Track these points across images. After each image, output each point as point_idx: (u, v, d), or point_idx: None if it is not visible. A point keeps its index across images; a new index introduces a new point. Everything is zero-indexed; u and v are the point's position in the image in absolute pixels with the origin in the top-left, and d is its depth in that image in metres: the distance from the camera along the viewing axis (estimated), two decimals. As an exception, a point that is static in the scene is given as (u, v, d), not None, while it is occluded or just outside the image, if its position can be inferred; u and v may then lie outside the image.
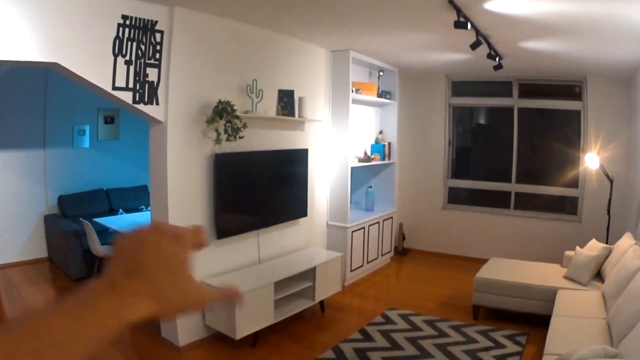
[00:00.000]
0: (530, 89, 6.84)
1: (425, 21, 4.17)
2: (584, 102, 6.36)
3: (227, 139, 4.01)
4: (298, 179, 5.13)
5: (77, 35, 3.22)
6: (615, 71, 5.89)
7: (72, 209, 6.56)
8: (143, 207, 7.01)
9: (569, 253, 5.09)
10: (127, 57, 3.51)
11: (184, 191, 3.92)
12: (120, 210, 6.73)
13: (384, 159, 6.52)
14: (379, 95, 6.37)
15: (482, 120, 7.72)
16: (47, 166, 6.68)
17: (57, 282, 5.80)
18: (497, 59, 5.10)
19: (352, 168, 5.75)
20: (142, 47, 3.59)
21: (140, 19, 3.56)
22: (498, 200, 7.12)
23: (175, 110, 3.80)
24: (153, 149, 3.93)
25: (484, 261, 5.46)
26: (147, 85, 3.64)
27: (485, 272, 4.89)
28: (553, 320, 3.78)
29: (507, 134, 6.96)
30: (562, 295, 4.30)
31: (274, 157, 4.80)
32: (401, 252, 7.36)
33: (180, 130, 3.84)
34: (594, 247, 4.77)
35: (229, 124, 3.94)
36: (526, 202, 6.97)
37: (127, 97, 3.54)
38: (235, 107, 3.97)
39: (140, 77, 3.59)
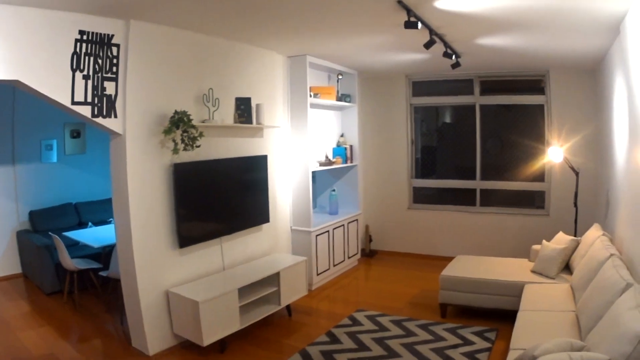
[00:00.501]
0: (492, 86, 6.99)
1: (376, 23, 4.28)
2: (547, 95, 6.56)
3: (185, 149, 4.21)
4: (259, 185, 5.33)
5: (37, 51, 3.40)
6: (578, 63, 6.02)
7: (43, 223, 6.74)
8: (111, 219, 7.06)
9: (535, 247, 5.23)
10: (85, 72, 3.69)
11: (145, 202, 4.09)
12: (90, 224, 6.88)
13: (346, 162, 6.81)
14: (339, 99, 6.67)
15: (447, 119, 7.94)
16: (17, 182, 6.88)
17: (32, 297, 5.95)
18: (453, 57, 5.25)
19: (314, 172, 6.04)
20: (100, 61, 3.78)
21: (97, 33, 3.74)
22: (464, 198, 7.30)
23: (133, 122, 3.98)
24: (113, 161, 4.11)
25: (452, 259, 5.61)
26: (105, 98, 3.83)
27: (451, 270, 5.00)
28: (520, 315, 3.81)
29: (472, 132, 7.17)
30: (530, 290, 4.36)
31: (233, 165, 4.97)
32: (368, 254, 7.57)
33: (139, 142, 4.02)
34: (561, 239, 4.90)
35: (185, 134, 4.15)
36: (493, 199, 7.15)
37: (85, 111, 3.72)
38: (191, 117, 4.17)
39: (98, 91, 3.78)
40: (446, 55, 5.15)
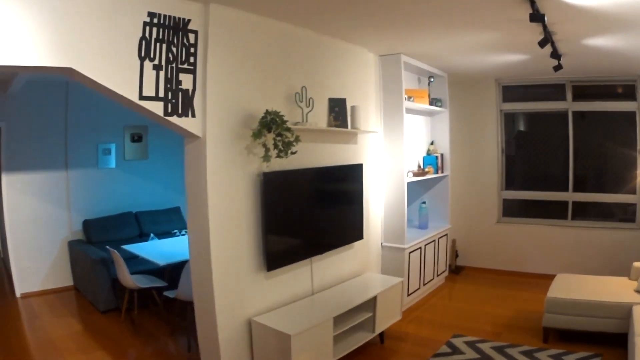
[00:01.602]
0: (581, 91, 5.99)
1: (489, 18, 3.48)
2: (638, 102, 5.62)
3: (278, 155, 3.20)
4: (353, 198, 4.28)
5: (95, 35, 2.46)
6: None
7: (99, 234, 5.77)
8: (176, 231, 6.19)
9: (638, 264, 4.42)
10: (156, 61, 2.71)
11: (227, 216, 3.10)
12: (152, 235, 5.91)
13: (437, 172, 5.60)
14: (430, 103, 5.46)
15: (522, 127, 6.82)
16: (70, 188, 5.90)
17: (84, 314, 4.98)
18: (556, 58, 4.31)
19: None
20: (173, 49, 2.79)
21: (170, 16, 2.77)
22: (553, 211, 6.25)
23: (215, 123, 2.98)
24: (189, 168, 3.11)
25: (543, 277, 5.14)
26: (180, 93, 2.83)
27: (556, 291, 4.17)
28: (637, 340, 3.14)
29: (552, 140, 6.24)
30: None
31: (328, 174, 3.95)
32: (454, 270, 6.44)
33: (221, 146, 3.02)
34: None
35: (279, 138, 3.11)
36: (581, 211, 6.16)
37: (157, 108, 2.73)
38: (285, 118, 3.14)
39: (172, 84, 2.79)
40: (554, 55, 4.20)
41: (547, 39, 3.66)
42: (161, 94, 2.74)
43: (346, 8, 3.28)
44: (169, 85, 2.77)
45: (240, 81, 3.15)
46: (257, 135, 3.05)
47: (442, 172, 5.79)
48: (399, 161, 4.80)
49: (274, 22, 3.44)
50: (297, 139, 3.20)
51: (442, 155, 5.80)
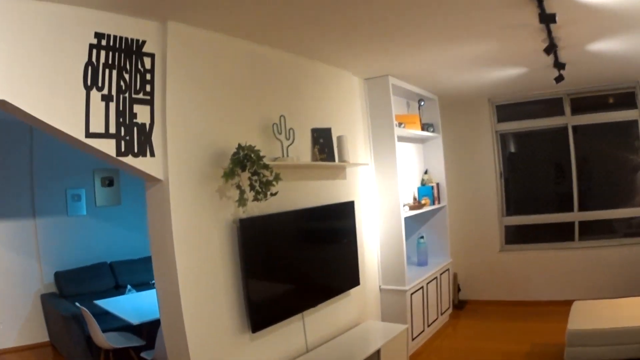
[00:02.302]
0: (577, 104, 5.67)
1: (489, 23, 3.13)
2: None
3: (255, 198, 2.68)
4: (346, 240, 3.76)
5: (32, 60, 2.00)
6: None
7: (72, 287, 5.19)
8: (154, 282, 5.57)
9: None
10: (105, 91, 2.24)
11: (199, 271, 2.57)
12: (129, 287, 5.31)
13: (433, 203, 5.15)
14: (422, 129, 5.07)
15: (515, 147, 6.45)
16: (39, 238, 5.37)
17: None
18: (559, 68, 4.00)
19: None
20: (126, 76, 2.33)
21: (121, 37, 2.32)
22: (558, 233, 5.81)
23: (179, 163, 2.49)
24: (152, 217, 2.59)
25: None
26: (135, 129, 2.35)
27: (577, 322, 3.69)
28: None
29: (550, 158, 5.95)
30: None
31: (315, 217, 3.44)
32: (457, 305, 5.89)
33: (188, 190, 2.52)
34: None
35: (255, 177, 2.61)
36: (586, 230, 5.74)
37: (108, 147, 2.25)
38: (262, 154, 2.65)
39: (125, 118, 2.31)
40: (557, 65, 3.89)
41: (553, 45, 3.32)
42: (112, 129, 2.26)
43: (324, 26, 2.91)
44: (121, 119, 2.29)
45: (208, 112, 2.67)
46: (229, 175, 2.54)
47: (439, 202, 5.31)
48: (394, 194, 4.32)
49: (245, 43, 2.98)
50: (277, 178, 2.68)
51: (437, 184, 5.34)
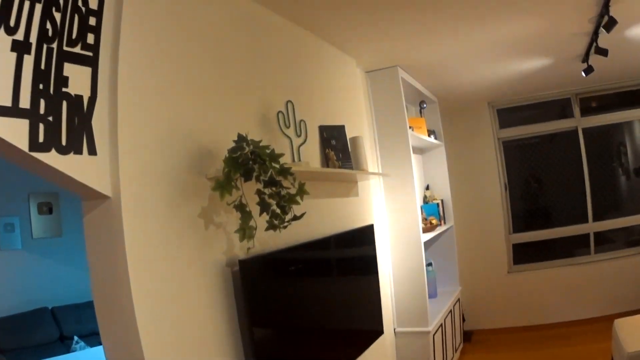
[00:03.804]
0: (586, 104, 5.10)
1: None
2: None
3: (271, 225, 1.64)
4: (367, 278, 2.76)
5: None
6: None
7: (8, 339, 3.99)
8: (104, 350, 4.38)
9: None
10: (19, 35, 1.19)
11: (173, 336, 1.50)
12: (76, 339, 4.13)
13: (440, 223, 4.33)
14: (427, 135, 4.25)
15: (519, 156, 5.82)
16: None
17: None
18: (603, 54, 3.24)
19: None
20: (57, 15, 1.28)
21: None
22: (571, 247, 5.17)
23: (137, 167, 1.44)
24: (94, 257, 1.48)
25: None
26: (65, 104, 1.29)
27: (634, 343, 3.00)
28: None
29: (558, 165, 5.24)
30: None
31: (334, 248, 2.40)
32: (464, 337, 5.03)
33: (153, 214, 1.47)
34: None
35: (271, 190, 1.57)
36: (600, 242, 5.14)
37: (14, 134, 1.16)
38: (275, 151, 1.63)
39: (49, 83, 1.25)
40: (599, 51, 3.22)
41: (613, 20, 2.63)
42: (24, 102, 1.18)
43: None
44: (41, 86, 1.22)
45: (185, 86, 1.66)
46: (224, 187, 1.54)
47: (445, 222, 4.43)
48: (412, 214, 3.37)
49: None
50: (302, 190, 1.65)
51: (442, 201, 4.53)
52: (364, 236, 2.72)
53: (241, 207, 1.58)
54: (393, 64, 3.43)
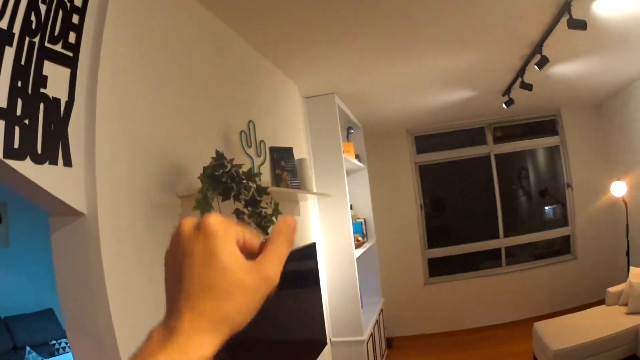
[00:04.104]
0: (497, 133, 5.54)
1: (486, 31, 2.68)
2: (561, 135, 5.35)
3: None
4: (311, 292, 2.72)
5: None
6: (587, 99, 5.05)
7: None
8: (54, 341, 4.06)
9: (613, 289, 4.02)
10: (3, 23, 1.04)
11: None
12: (28, 349, 3.81)
13: (364, 240, 4.45)
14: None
15: (435, 179, 6.20)
16: None
17: None
18: (527, 89, 3.59)
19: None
20: (42, 7, 1.14)
21: None
22: (484, 261, 5.57)
23: (116, 183, 1.31)
24: (65, 284, 1.30)
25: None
26: (42, 106, 1.14)
27: (556, 342, 3.42)
28: None
29: (471, 187, 5.71)
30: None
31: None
32: (386, 344, 5.19)
33: (129, 234, 1.34)
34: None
35: (250, 210, 1.53)
36: (510, 255, 5.59)
37: None
38: (256, 172, 1.65)
39: (27, 81, 1.09)
40: (524, 86, 3.55)
41: (545, 59, 2.89)
42: (2, 100, 1.03)
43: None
44: (20, 84, 1.08)
45: (158, 99, 1.54)
46: (203, 206, 1.46)
47: (367, 239, 4.52)
48: (345, 232, 3.43)
49: (209, 15, 1.95)
50: (277, 211, 1.60)
51: (364, 220, 4.69)
52: (308, 255, 2.71)
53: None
54: (331, 91, 3.49)
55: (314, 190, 2.92)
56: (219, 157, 1.49)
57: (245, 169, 1.87)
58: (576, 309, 4.41)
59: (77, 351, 1.28)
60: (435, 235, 5.64)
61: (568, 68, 3.54)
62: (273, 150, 2.49)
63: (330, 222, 3.47)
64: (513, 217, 5.61)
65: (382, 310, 4.55)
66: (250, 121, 2.05)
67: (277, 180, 2.39)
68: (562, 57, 3.22)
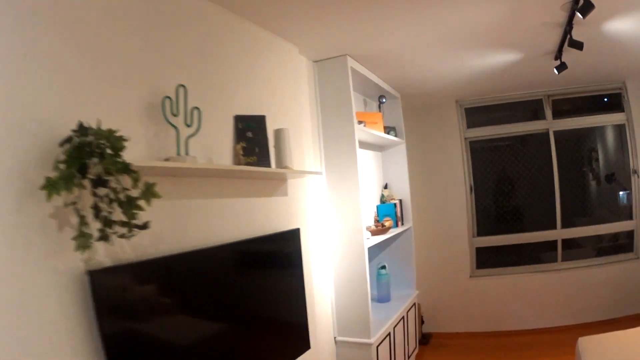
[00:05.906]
0: (558, 107, 4.79)
1: None
2: (627, 112, 4.60)
3: (102, 235, 1.29)
4: (288, 288, 2.41)
5: None
6: None
7: None
8: None
9: None
10: None
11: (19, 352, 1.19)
12: None
13: (396, 225, 4.00)
14: (385, 132, 3.95)
15: (485, 157, 5.54)
16: None
17: None
18: (577, 47, 2.90)
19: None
20: None
21: None
22: (537, 253, 4.87)
23: None
24: None
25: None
26: None
27: None
28: None
29: (526, 168, 4.91)
30: None
31: (238, 258, 2.06)
32: (421, 340, 4.67)
33: None
34: None
35: (103, 189, 1.26)
36: (569, 249, 4.84)
37: None
38: (125, 140, 1.31)
39: None
40: (573, 44, 2.87)
41: (589, 4, 2.31)
42: None
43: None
44: None
45: (39, 64, 1.31)
46: (54, 186, 1.18)
47: (402, 224, 4.10)
48: (354, 217, 3.02)
49: None
50: (150, 192, 1.32)
51: (400, 201, 4.22)
52: (286, 242, 2.39)
53: (77, 211, 1.25)
54: (342, 53, 3.10)
55: (303, 167, 2.56)
56: (79, 129, 1.22)
57: (166, 147, 1.61)
58: (633, 318, 3.66)
59: None
60: (485, 221, 5.06)
61: (630, 24, 2.83)
62: (239, 119, 2.18)
63: (338, 205, 3.10)
64: (573, 205, 4.90)
65: (414, 305, 4.15)
66: (180, 85, 1.76)
67: (236, 156, 2.08)
68: (621, 5, 2.56)
